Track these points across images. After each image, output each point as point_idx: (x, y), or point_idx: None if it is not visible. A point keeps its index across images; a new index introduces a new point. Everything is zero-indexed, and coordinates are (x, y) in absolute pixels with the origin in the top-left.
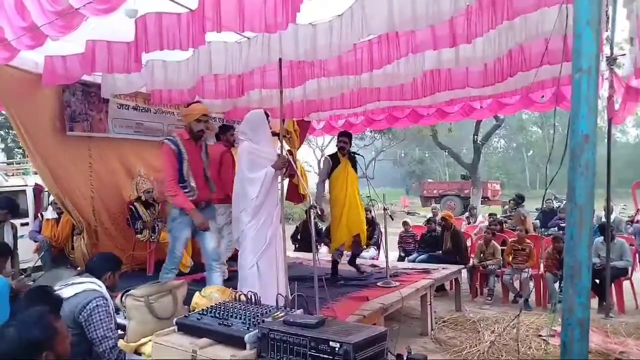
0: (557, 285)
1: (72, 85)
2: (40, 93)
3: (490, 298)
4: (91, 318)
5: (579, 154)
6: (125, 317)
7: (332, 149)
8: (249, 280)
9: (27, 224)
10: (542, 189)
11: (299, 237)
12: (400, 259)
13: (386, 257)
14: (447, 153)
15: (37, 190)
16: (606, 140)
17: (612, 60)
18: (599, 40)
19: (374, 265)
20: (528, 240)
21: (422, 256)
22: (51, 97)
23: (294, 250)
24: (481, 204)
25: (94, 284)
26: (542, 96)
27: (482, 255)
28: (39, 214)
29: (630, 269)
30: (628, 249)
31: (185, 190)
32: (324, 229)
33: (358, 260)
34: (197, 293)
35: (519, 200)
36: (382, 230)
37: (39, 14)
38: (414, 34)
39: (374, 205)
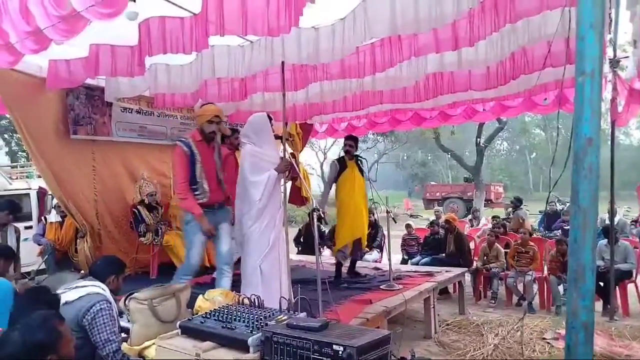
0: (561, 288)
1: (76, 88)
2: (44, 97)
3: (493, 301)
4: (95, 321)
5: (583, 157)
6: (128, 320)
7: (335, 151)
8: (252, 283)
9: (30, 227)
10: (546, 192)
11: (301, 239)
12: (404, 261)
13: (389, 260)
14: (449, 156)
15: (41, 193)
16: (609, 143)
17: (615, 63)
18: (602, 43)
19: (377, 268)
20: (532, 243)
21: (425, 259)
22: (55, 101)
23: (297, 253)
24: (484, 206)
25: (97, 288)
26: (545, 99)
27: (485, 258)
28: (42, 217)
29: (634, 271)
30: (632, 252)
31: (197, 193)
32: (326, 231)
33: (361, 264)
34: (200, 296)
35: (518, 203)
36: (385, 233)
37: (44, 18)
38: (417, 37)
39: (376, 207)
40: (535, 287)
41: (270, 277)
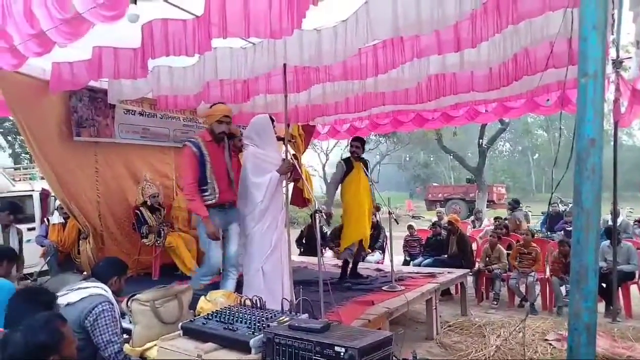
0: (563, 289)
1: (79, 91)
2: (47, 99)
3: (496, 302)
4: (97, 323)
5: (585, 158)
6: (130, 322)
7: (337, 153)
8: (254, 285)
9: (33, 228)
10: (548, 193)
11: (303, 241)
12: (406, 263)
13: (391, 261)
14: (452, 157)
15: (44, 195)
16: (612, 144)
17: (618, 64)
18: (604, 44)
19: (379, 270)
20: (534, 244)
21: (428, 260)
22: (58, 103)
23: (299, 255)
24: (486, 207)
25: (99, 289)
26: (548, 100)
27: (487, 259)
28: (45, 219)
29: (637, 272)
30: (635, 253)
31: (206, 194)
32: (328, 233)
33: (363, 265)
34: (202, 297)
35: (515, 204)
36: (387, 234)
37: (47, 21)
38: (419, 39)
39: (379, 209)
40: (538, 288)
41: (272, 279)
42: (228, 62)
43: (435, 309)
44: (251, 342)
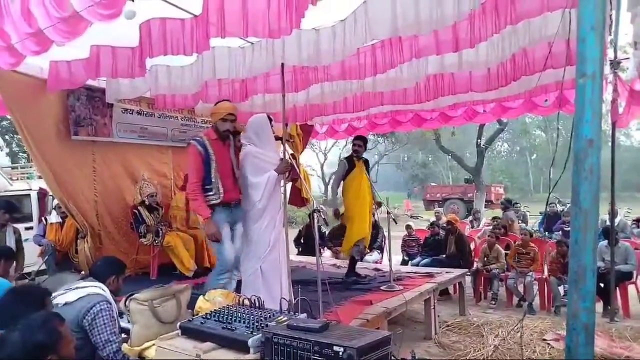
0: (561, 289)
1: (77, 90)
2: (45, 98)
3: (494, 302)
4: (95, 322)
5: (583, 159)
6: (129, 321)
7: (335, 152)
8: (252, 284)
9: (31, 228)
10: (546, 193)
11: (302, 240)
12: (404, 262)
13: (390, 260)
14: (450, 157)
15: (41, 194)
16: (610, 144)
17: (616, 64)
18: (603, 45)
19: (377, 269)
20: (532, 244)
21: (426, 260)
22: (56, 102)
23: (297, 254)
24: (484, 207)
25: (97, 288)
26: (546, 100)
27: (485, 259)
28: (43, 218)
29: (635, 272)
30: (632, 253)
31: (210, 193)
32: (327, 232)
33: (361, 265)
34: (200, 297)
35: (507, 204)
36: (386, 234)
37: (45, 20)
38: (417, 39)
39: (380, 204)
40: (535, 288)
41: (270, 278)
42: (226, 62)
43: (434, 308)
44: (250, 341)
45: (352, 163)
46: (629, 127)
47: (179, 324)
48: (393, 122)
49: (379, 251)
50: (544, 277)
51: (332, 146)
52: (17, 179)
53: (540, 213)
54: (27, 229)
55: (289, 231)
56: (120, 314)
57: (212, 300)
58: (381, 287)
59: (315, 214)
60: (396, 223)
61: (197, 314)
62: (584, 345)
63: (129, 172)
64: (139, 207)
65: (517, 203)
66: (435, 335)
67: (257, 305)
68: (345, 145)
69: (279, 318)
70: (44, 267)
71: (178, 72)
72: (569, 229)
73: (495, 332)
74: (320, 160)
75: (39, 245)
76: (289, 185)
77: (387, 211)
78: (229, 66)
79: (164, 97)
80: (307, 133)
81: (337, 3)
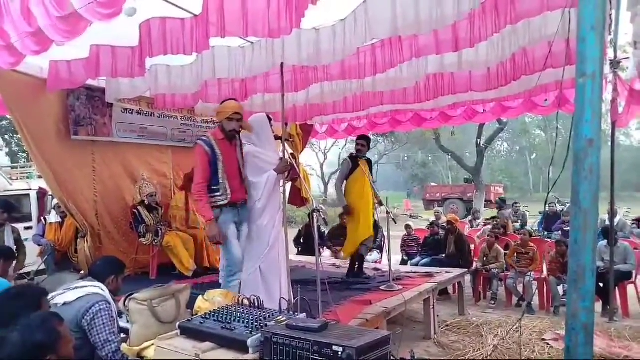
0: (560, 289)
1: (77, 89)
2: (45, 98)
3: (493, 302)
4: (94, 322)
5: (583, 158)
6: (128, 321)
7: (335, 152)
8: (251, 284)
9: (30, 227)
10: (546, 192)
11: (301, 240)
12: (403, 262)
13: (389, 260)
14: (450, 156)
15: (41, 194)
16: (610, 144)
17: (615, 64)
18: (603, 45)
19: (376, 269)
20: (531, 244)
21: (425, 260)
22: (56, 102)
23: (297, 254)
24: (484, 207)
25: (97, 288)
26: (546, 100)
27: (485, 258)
28: (42, 218)
29: (634, 272)
30: (632, 253)
31: (218, 194)
32: (326, 232)
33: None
34: (200, 297)
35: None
36: (385, 233)
37: (45, 19)
38: (417, 38)
39: (376, 208)
40: (535, 287)
41: (269, 278)
42: (226, 61)
43: (433, 308)
44: (249, 341)
45: (355, 163)
46: (629, 126)
47: (178, 323)
48: (393, 122)
49: (378, 251)
50: (543, 276)
51: (332, 146)
52: (17, 179)
53: (539, 213)
54: (26, 228)
55: (288, 231)
56: (120, 314)
57: (211, 300)
58: (380, 287)
59: (314, 213)
60: (395, 223)
61: (197, 314)
62: (583, 345)
63: (128, 172)
64: (138, 207)
65: (516, 203)
66: (435, 335)
67: (256, 305)
68: (345, 145)
69: (278, 318)
70: (43, 267)
71: (178, 71)
72: (568, 228)
73: (494, 332)
74: (320, 160)
75: (38, 245)
76: (289, 185)
77: (387, 211)
78: (229, 66)
79: (164, 97)
80: (307, 133)
81: (337, 3)
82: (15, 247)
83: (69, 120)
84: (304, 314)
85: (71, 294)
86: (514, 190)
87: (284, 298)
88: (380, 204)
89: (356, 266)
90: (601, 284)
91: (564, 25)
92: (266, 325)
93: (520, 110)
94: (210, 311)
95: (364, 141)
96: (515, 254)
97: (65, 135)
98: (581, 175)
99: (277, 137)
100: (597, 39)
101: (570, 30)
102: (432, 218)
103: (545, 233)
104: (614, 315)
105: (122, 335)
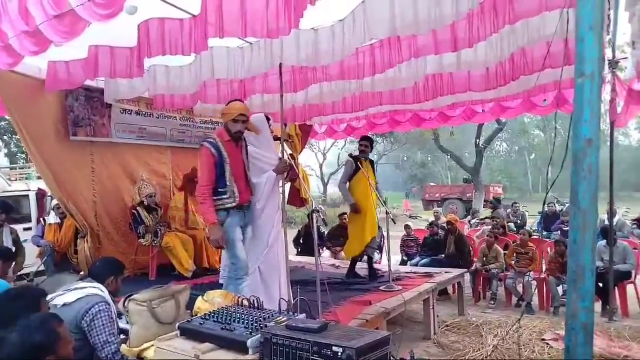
0: (559, 288)
1: (75, 90)
2: (43, 98)
3: (493, 302)
4: (94, 323)
5: (582, 158)
6: (127, 322)
7: (334, 152)
8: (251, 285)
9: (29, 228)
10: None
11: (301, 241)
12: (403, 262)
13: (388, 260)
14: (449, 156)
15: (40, 194)
16: (608, 144)
17: (614, 64)
18: (601, 45)
19: (376, 269)
20: (531, 244)
21: (425, 260)
22: (54, 102)
23: (296, 254)
24: (483, 207)
25: (96, 289)
26: (544, 99)
27: (484, 258)
28: (41, 219)
29: (633, 272)
30: (631, 252)
31: (225, 196)
32: (326, 232)
33: (360, 265)
34: (199, 298)
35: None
36: (385, 234)
37: (43, 19)
38: (416, 38)
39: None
40: (534, 287)
41: (268, 278)
42: (225, 62)
43: (433, 308)
44: (248, 342)
45: (358, 163)
46: (627, 126)
47: (177, 324)
48: (392, 122)
49: (377, 251)
50: (543, 276)
51: (331, 146)
52: (16, 180)
53: (538, 213)
54: (25, 229)
55: (288, 231)
56: (119, 315)
57: (210, 300)
58: (380, 287)
59: (314, 214)
60: (395, 223)
61: (196, 315)
62: (583, 344)
63: (127, 173)
64: (137, 208)
65: (516, 203)
66: (434, 335)
67: (255, 305)
68: (344, 145)
69: (278, 318)
70: (42, 267)
71: (176, 72)
72: (567, 228)
73: (494, 332)
74: (319, 160)
75: (38, 246)
76: (288, 185)
77: (386, 211)
78: (228, 66)
79: (163, 97)
80: (306, 133)
81: (335, 3)
82: (13, 248)
83: (67, 121)
84: (304, 314)
85: (70, 294)
86: (513, 190)
87: (283, 298)
88: (385, 205)
89: (354, 266)
90: (600, 284)
91: (563, 25)
92: (266, 325)
93: (519, 110)
94: (209, 312)
95: (366, 142)
96: (515, 254)
97: (64, 136)
98: (580, 175)
99: (276, 138)
100: (595, 39)
101: (569, 30)
102: (431, 218)
103: (545, 233)
104: (614, 315)
105: (122, 336)
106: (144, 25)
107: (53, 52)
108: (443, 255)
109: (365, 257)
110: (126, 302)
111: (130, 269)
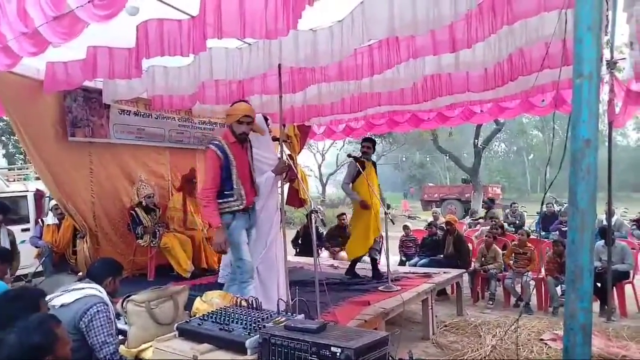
0: (558, 289)
1: (74, 91)
2: (42, 99)
3: (491, 302)
4: (92, 324)
5: (581, 159)
6: (126, 323)
7: (333, 153)
8: None
9: (28, 229)
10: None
11: (299, 241)
12: (401, 263)
13: (387, 261)
14: (447, 157)
15: (38, 195)
16: (607, 144)
17: (612, 64)
18: (599, 45)
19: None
20: (529, 244)
21: (423, 260)
22: (53, 103)
23: (295, 255)
24: (482, 207)
25: (94, 290)
26: (543, 100)
27: (483, 259)
28: (39, 220)
29: (631, 272)
30: (629, 253)
31: (232, 199)
32: (324, 233)
33: (359, 265)
34: (198, 298)
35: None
36: (383, 234)
37: (41, 20)
38: (414, 39)
39: (389, 206)
40: (532, 285)
41: (267, 278)
42: (223, 63)
43: (431, 309)
44: (247, 342)
45: (362, 165)
46: (626, 127)
47: (176, 325)
48: (390, 123)
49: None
50: (541, 277)
51: (330, 147)
52: (14, 181)
53: (537, 213)
54: (23, 230)
55: (286, 232)
56: (118, 316)
57: (209, 301)
58: (379, 288)
59: (312, 214)
60: (393, 223)
61: (195, 316)
62: (582, 345)
63: (126, 173)
64: (136, 209)
65: (514, 203)
66: (433, 336)
67: (254, 306)
68: (343, 146)
69: (277, 319)
70: (40, 268)
71: (175, 73)
72: (566, 228)
73: (492, 332)
74: (317, 160)
75: (36, 247)
76: (287, 185)
77: (385, 212)
78: (226, 67)
79: (161, 98)
80: (305, 134)
81: (334, 3)
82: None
83: (65, 122)
84: (302, 315)
85: (69, 295)
86: (512, 190)
87: (282, 299)
88: (388, 207)
89: (354, 266)
90: (599, 284)
91: (561, 26)
92: (264, 326)
93: (518, 110)
94: (208, 312)
95: (369, 143)
96: (513, 254)
97: (63, 137)
98: (578, 175)
99: (275, 138)
100: (593, 39)
101: (567, 31)
102: (430, 218)
103: (543, 233)
104: (612, 315)
105: (120, 337)
106: (143, 26)
107: (51, 53)
108: (442, 256)
109: (365, 257)
110: (124, 303)
111: (129, 269)
